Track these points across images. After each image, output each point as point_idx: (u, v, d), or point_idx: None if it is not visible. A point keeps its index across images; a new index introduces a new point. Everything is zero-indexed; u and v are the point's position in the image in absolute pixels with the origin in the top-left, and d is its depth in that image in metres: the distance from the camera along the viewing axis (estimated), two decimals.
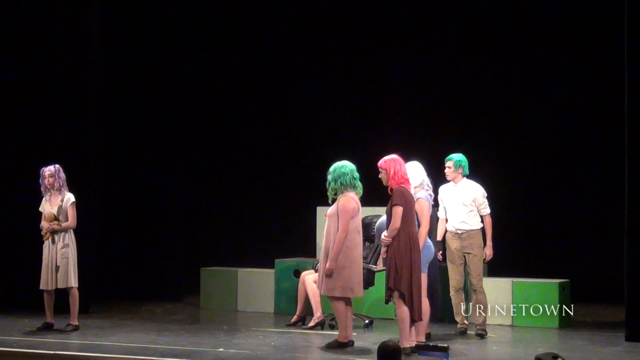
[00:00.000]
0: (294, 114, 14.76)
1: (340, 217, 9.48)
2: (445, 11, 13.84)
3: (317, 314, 11.03)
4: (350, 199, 9.54)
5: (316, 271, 11.07)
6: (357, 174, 9.65)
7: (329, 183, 9.63)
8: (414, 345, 9.01)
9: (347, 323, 9.62)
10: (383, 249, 9.32)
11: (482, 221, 10.43)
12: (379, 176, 9.47)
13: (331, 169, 9.67)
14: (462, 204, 10.40)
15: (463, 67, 13.79)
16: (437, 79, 13.89)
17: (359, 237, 9.60)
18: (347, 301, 9.62)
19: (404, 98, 13.89)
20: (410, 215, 9.27)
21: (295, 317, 11.24)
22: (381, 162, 9.43)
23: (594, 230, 13.53)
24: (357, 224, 9.58)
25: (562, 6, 13.29)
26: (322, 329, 10.91)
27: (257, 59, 14.94)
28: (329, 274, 9.45)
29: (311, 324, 10.99)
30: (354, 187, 9.61)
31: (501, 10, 13.53)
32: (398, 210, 9.18)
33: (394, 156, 9.45)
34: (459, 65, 13.79)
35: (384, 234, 9.31)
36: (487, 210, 10.40)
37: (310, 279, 11.17)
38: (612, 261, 12.72)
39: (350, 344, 9.60)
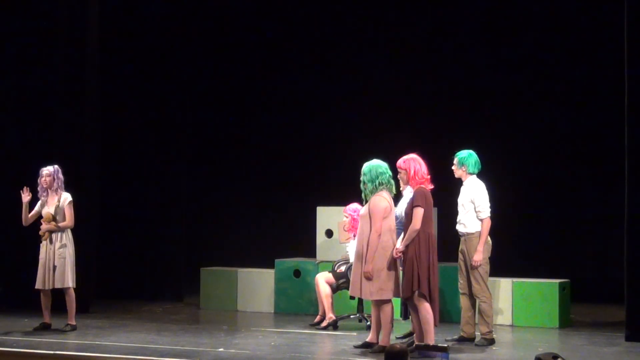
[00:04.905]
0: (294, 114, 14.74)
1: (372, 218, 9.25)
2: (451, 11, 13.86)
3: (329, 314, 11.04)
4: (382, 199, 9.30)
5: (334, 272, 11.09)
6: (390, 172, 9.45)
7: (366, 183, 9.36)
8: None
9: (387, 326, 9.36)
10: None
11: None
12: (398, 176, 9.40)
13: (366, 169, 9.40)
14: (460, 204, 10.01)
15: (463, 67, 13.78)
16: (436, 79, 13.88)
17: (394, 237, 9.34)
18: (388, 303, 9.38)
19: (404, 98, 13.88)
20: (429, 217, 9.18)
21: (318, 317, 11.16)
22: (400, 162, 9.35)
23: (594, 230, 13.52)
24: (391, 223, 9.33)
25: (567, 4, 13.28)
26: (335, 329, 10.90)
27: (257, 58, 14.93)
28: (368, 277, 9.22)
29: (324, 324, 10.99)
30: (390, 186, 9.42)
31: (507, 8, 13.53)
32: (419, 212, 9.07)
33: (413, 155, 9.36)
34: (459, 65, 13.78)
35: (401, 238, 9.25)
36: (483, 214, 9.87)
37: (322, 280, 11.15)
38: (612, 261, 12.72)
39: None
